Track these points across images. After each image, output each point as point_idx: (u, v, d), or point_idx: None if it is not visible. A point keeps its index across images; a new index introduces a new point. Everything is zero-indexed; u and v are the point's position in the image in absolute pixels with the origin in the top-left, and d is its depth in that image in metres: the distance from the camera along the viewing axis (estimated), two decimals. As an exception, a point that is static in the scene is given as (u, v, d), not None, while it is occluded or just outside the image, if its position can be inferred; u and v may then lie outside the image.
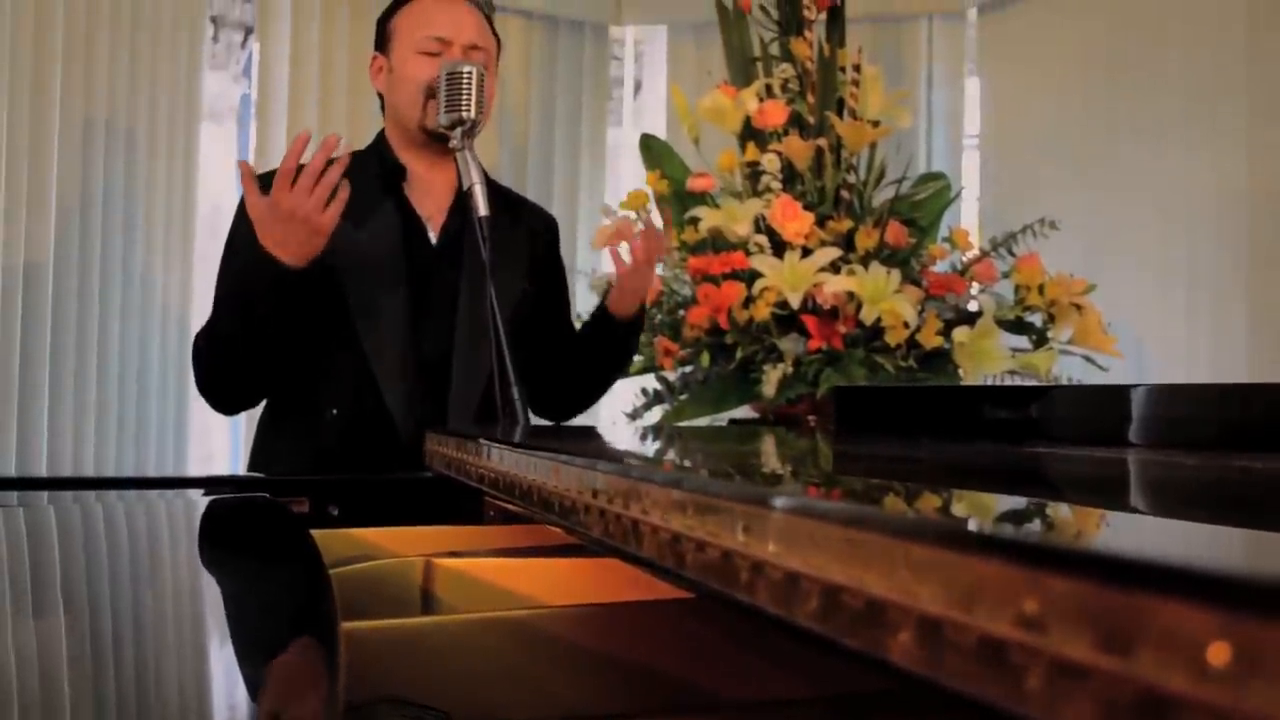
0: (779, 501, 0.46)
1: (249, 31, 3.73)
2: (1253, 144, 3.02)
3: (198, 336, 1.88)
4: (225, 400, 1.94)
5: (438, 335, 1.90)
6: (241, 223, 1.88)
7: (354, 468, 1.77)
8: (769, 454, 1.00)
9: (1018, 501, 0.52)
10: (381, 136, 2.02)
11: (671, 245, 1.98)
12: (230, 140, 3.79)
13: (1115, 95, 3.40)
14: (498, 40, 2.03)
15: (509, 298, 1.86)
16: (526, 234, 2.06)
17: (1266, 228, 2.98)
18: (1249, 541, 0.38)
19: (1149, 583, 0.28)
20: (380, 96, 2.04)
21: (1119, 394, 1.06)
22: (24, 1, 2.64)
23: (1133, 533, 0.42)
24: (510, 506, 0.97)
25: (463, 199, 1.90)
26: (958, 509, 0.50)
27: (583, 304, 3.21)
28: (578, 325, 2.19)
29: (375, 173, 1.95)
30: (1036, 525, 0.43)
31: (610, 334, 2.01)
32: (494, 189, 1.91)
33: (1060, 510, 0.48)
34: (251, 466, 1.98)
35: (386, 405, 1.84)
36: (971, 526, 0.39)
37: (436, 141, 1.92)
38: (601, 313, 2.00)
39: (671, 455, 0.99)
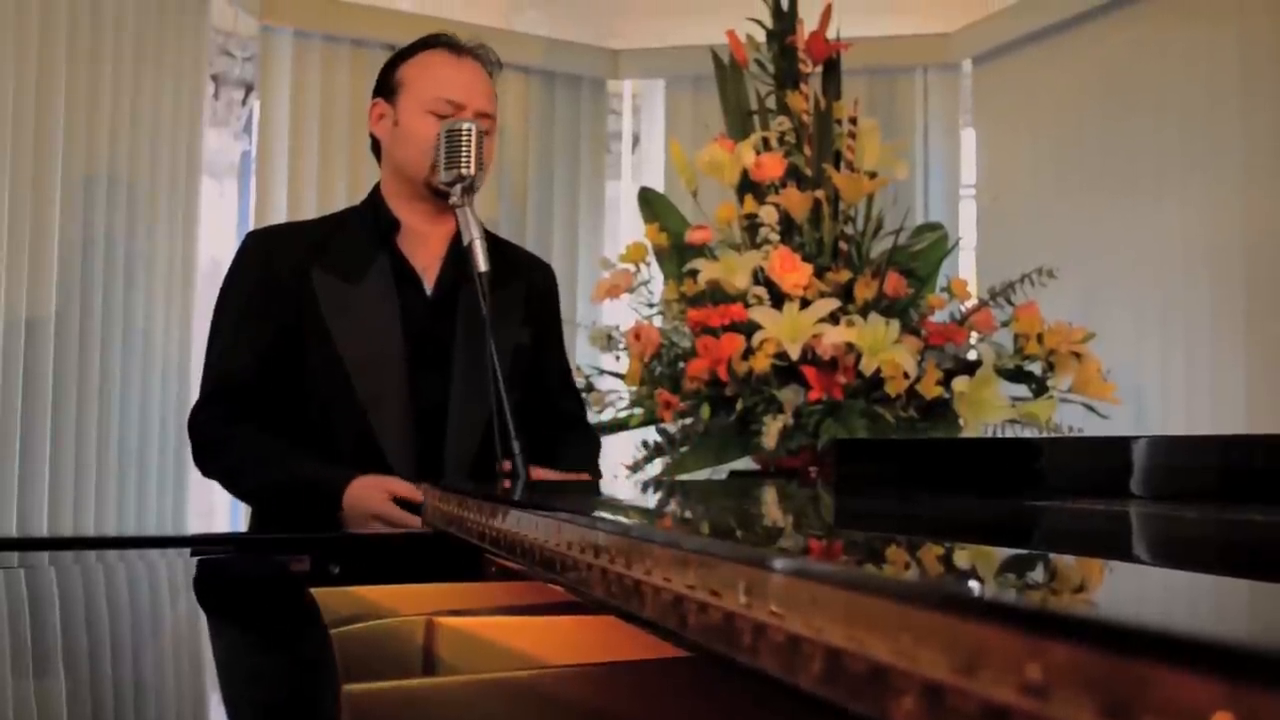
0: (780, 564, 0.46)
1: (249, 89, 3.77)
2: (1249, 192, 3.04)
3: (198, 425, 1.90)
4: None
5: (433, 388, 1.90)
6: (233, 296, 1.91)
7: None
8: (771, 512, 1.00)
9: (1020, 562, 0.52)
10: (377, 190, 2.03)
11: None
12: (231, 197, 3.81)
13: (1110, 144, 3.42)
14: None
15: (506, 349, 1.86)
16: (524, 285, 2.07)
17: (1263, 275, 2.99)
18: (1253, 604, 0.38)
19: (1152, 651, 0.28)
20: (375, 142, 2.04)
21: (1120, 446, 1.06)
22: (27, 58, 2.67)
23: (1136, 596, 0.42)
24: (511, 565, 0.97)
25: (457, 251, 1.92)
26: (960, 571, 0.50)
27: (582, 356, 3.21)
28: (581, 380, 2.20)
29: (370, 226, 1.97)
30: (1039, 589, 0.43)
31: None
32: (491, 241, 1.92)
33: (1063, 572, 0.48)
34: (252, 520, 1.98)
35: (386, 458, 1.84)
36: (973, 591, 0.39)
37: (438, 197, 1.93)
38: None
39: (673, 513, 0.99)
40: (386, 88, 2.00)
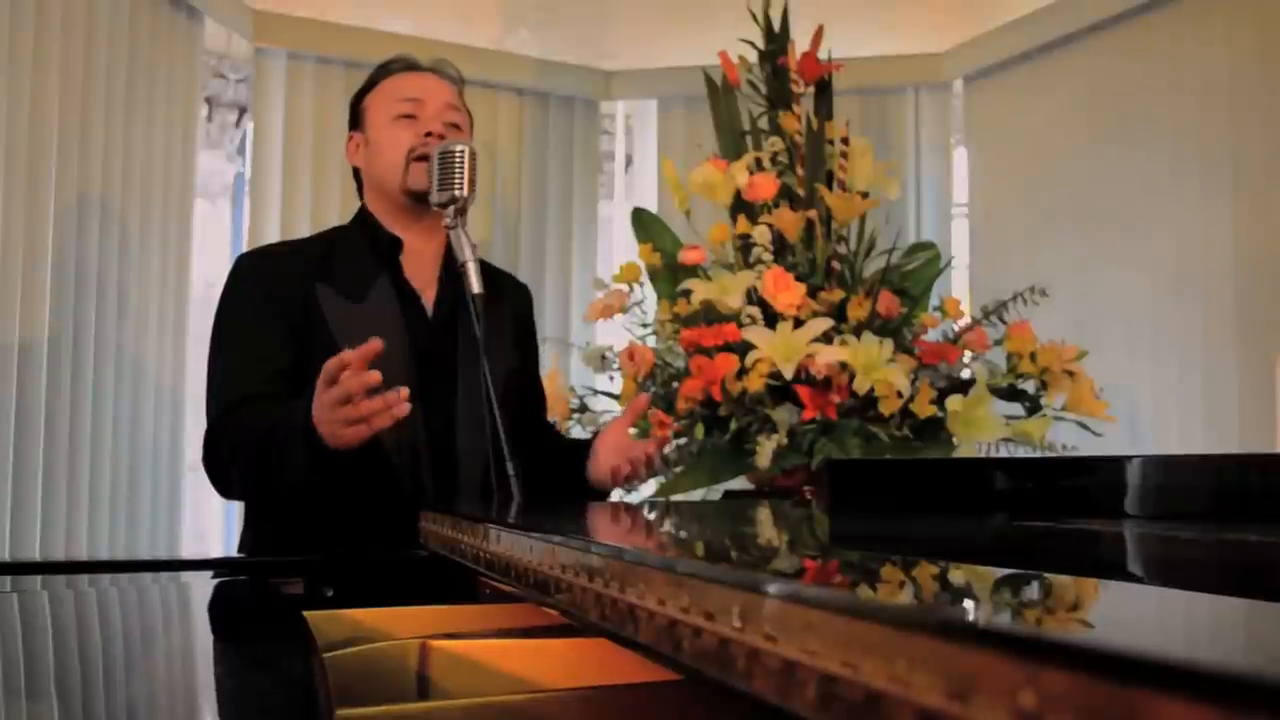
0: (774, 588, 0.46)
1: (243, 111, 3.77)
2: (1239, 209, 3.05)
3: (211, 440, 1.84)
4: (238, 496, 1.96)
5: (441, 408, 1.90)
6: (235, 314, 1.89)
7: (362, 542, 1.74)
8: (765, 535, 1.00)
9: (1015, 586, 0.52)
10: (365, 211, 2.03)
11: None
12: (224, 219, 3.81)
13: (1101, 163, 3.43)
14: (470, 115, 2.07)
15: (500, 371, 1.87)
16: (510, 307, 2.08)
17: (1254, 291, 3.00)
18: (1249, 628, 0.38)
19: (1148, 679, 0.28)
20: (356, 173, 2.07)
21: (1115, 465, 1.06)
22: (20, 81, 2.67)
23: (1131, 620, 0.42)
24: (505, 587, 0.97)
25: (450, 271, 1.93)
26: (954, 597, 0.50)
27: (576, 377, 3.21)
28: (574, 400, 2.20)
29: (370, 245, 1.97)
30: (1034, 614, 0.43)
31: (582, 482, 2.00)
32: (480, 264, 1.92)
33: (1058, 597, 0.48)
34: (244, 543, 1.96)
35: (397, 474, 1.83)
36: (968, 617, 0.39)
37: (419, 204, 1.94)
38: (579, 461, 2.00)
39: (668, 537, 0.98)
40: (355, 119, 2.07)
